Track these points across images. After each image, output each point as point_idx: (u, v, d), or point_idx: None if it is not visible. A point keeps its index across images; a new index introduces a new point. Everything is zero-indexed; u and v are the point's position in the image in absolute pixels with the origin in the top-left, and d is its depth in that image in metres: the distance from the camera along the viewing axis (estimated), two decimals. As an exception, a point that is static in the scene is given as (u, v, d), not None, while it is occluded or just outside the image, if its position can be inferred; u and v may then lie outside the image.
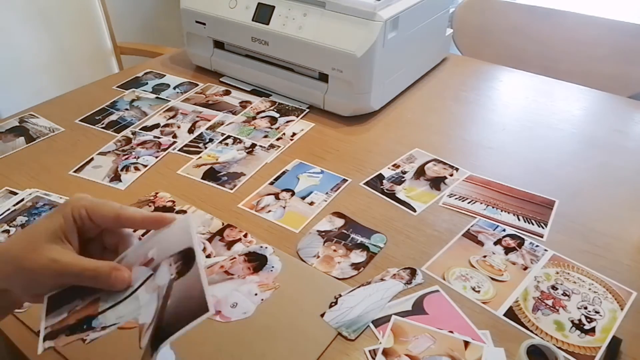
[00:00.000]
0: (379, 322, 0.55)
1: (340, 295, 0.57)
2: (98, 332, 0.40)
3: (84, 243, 0.43)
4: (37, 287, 0.41)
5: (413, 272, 0.61)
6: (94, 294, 0.41)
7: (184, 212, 0.69)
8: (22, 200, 0.70)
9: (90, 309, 0.41)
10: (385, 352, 0.51)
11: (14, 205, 0.69)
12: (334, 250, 0.64)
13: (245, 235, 0.65)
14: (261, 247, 0.64)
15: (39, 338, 0.39)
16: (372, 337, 0.53)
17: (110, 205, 0.43)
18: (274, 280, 0.59)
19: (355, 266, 0.62)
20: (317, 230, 0.67)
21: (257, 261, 0.62)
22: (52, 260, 0.39)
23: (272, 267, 0.61)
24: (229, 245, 0.64)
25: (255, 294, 0.57)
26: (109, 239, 0.44)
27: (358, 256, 0.63)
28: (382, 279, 0.60)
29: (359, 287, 0.59)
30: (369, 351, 0.52)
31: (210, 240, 0.65)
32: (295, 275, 0.60)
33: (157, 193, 0.73)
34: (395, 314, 0.55)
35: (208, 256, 0.62)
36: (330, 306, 0.56)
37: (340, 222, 0.68)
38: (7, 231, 0.65)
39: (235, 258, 0.62)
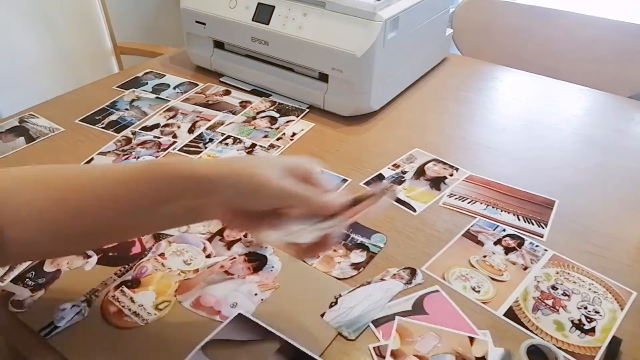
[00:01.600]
0: (379, 322, 0.55)
1: (340, 295, 0.57)
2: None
3: None
4: (250, 200, 0.47)
5: (413, 272, 0.61)
6: None
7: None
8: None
9: None
10: (393, 354, 0.51)
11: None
12: (334, 250, 0.64)
13: (245, 235, 0.65)
14: (261, 247, 0.64)
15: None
16: (372, 336, 0.53)
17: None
18: (274, 280, 0.59)
19: (355, 266, 0.62)
20: (317, 230, 0.67)
21: (257, 261, 0.62)
22: (281, 185, 0.46)
23: (272, 267, 0.61)
24: (229, 245, 0.64)
25: (255, 294, 0.57)
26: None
27: (358, 256, 0.63)
28: (382, 279, 0.60)
29: (359, 287, 0.59)
30: (374, 348, 0.52)
31: (210, 240, 0.65)
32: (295, 275, 0.60)
33: (157, 193, 0.72)
34: (396, 314, 0.55)
35: (208, 256, 0.62)
36: (330, 306, 0.56)
37: (340, 222, 0.68)
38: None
39: (235, 258, 0.62)
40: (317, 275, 0.60)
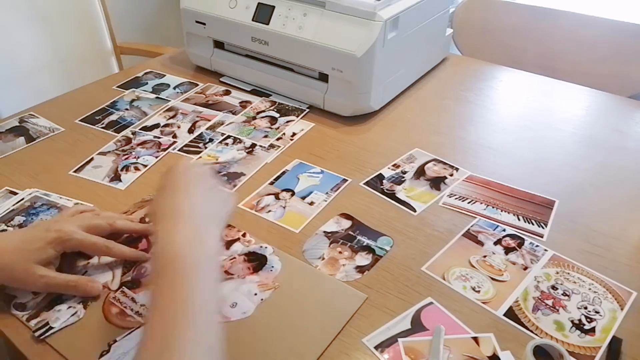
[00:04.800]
0: (380, 346, 0.52)
1: (115, 341, 0.51)
2: None
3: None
4: (26, 288, 0.56)
5: None
6: None
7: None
8: (22, 200, 0.70)
9: None
10: None
11: (14, 205, 0.69)
12: (340, 252, 0.63)
13: (243, 235, 0.65)
14: (261, 247, 0.64)
15: None
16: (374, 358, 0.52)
17: (96, 242, 0.58)
18: (274, 280, 0.59)
19: (360, 269, 0.61)
20: (324, 231, 0.66)
21: (256, 261, 0.62)
22: (42, 275, 0.54)
23: (272, 267, 0.61)
24: (228, 245, 0.64)
25: (255, 294, 0.57)
26: None
27: (363, 259, 0.63)
28: None
29: (136, 329, 0.53)
30: None
31: (210, 240, 0.65)
32: (295, 275, 0.60)
33: (158, 193, 0.72)
34: (397, 335, 0.53)
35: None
36: (102, 355, 0.50)
37: (347, 223, 0.68)
38: (5, 231, 0.65)
39: (235, 258, 0.62)
40: (317, 274, 0.60)
